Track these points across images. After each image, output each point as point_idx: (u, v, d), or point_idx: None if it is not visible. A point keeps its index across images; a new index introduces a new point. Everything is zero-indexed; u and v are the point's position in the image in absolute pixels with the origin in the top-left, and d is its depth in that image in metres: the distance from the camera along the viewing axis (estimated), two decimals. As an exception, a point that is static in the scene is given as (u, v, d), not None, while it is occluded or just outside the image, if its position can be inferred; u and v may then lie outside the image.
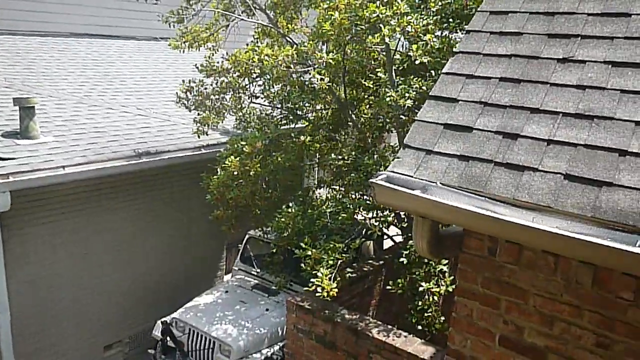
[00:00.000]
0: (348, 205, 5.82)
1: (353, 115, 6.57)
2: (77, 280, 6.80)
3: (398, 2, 5.14)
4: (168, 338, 6.45)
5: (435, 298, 5.31)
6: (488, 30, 3.02)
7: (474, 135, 2.64)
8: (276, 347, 6.51)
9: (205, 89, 6.55)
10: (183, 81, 6.66)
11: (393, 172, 2.62)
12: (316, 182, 7.44)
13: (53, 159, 5.91)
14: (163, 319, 6.61)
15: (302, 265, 5.27)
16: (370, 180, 2.56)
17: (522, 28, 2.94)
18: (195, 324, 6.47)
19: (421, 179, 2.55)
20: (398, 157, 2.69)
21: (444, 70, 2.95)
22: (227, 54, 6.15)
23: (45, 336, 6.56)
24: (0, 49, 8.45)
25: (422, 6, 5.83)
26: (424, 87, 5.25)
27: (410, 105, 5.20)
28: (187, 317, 6.61)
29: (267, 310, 6.79)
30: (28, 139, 6.11)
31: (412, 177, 2.58)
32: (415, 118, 2.80)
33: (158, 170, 7.17)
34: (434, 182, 2.52)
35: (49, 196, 6.26)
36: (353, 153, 6.28)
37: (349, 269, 6.09)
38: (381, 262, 6.58)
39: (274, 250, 6.38)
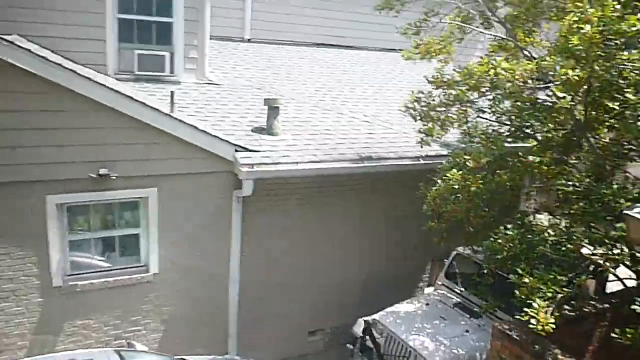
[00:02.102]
0: (574, 236, 5.31)
1: (590, 138, 5.97)
2: (294, 265, 7.49)
3: (665, 14, 4.52)
4: (367, 337, 6.67)
5: (676, 359, 4.53)
6: None
7: None
8: (472, 372, 6.26)
9: (433, 100, 6.61)
10: (412, 92, 6.82)
11: (655, 206, 2.31)
12: (536, 207, 6.94)
13: (289, 155, 6.61)
14: (365, 318, 6.85)
15: (516, 292, 4.97)
16: (626, 212, 2.30)
17: None
18: (394, 330, 6.58)
19: (692, 219, 2.20)
20: (662, 190, 2.36)
21: None
22: (459, 67, 6.11)
23: (262, 311, 7.37)
24: (256, 55, 9.74)
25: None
26: (687, 113, 4.51)
27: (668, 133, 4.53)
28: (387, 322, 6.75)
29: (467, 331, 6.59)
30: (271, 135, 6.94)
31: (679, 214, 2.24)
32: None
33: (377, 175, 7.48)
34: None
35: (279, 187, 7.01)
36: (586, 180, 5.69)
37: (566, 306, 5.56)
38: (606, 305, 5.85)
39: (484, 271, 6.13)
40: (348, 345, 7.09)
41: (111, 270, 6.35)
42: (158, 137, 6.09)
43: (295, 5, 10.34)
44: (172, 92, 6.38)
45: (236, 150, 6.39)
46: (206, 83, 7.95)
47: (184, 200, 6.45)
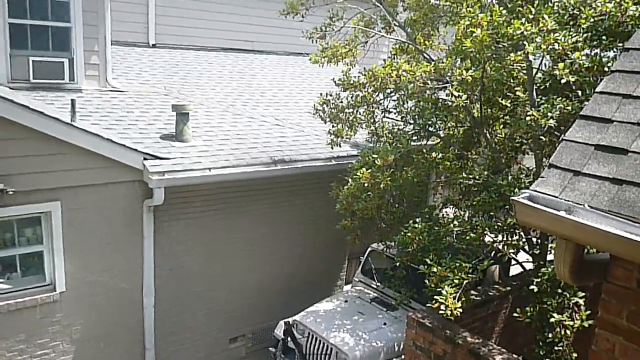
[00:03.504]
0: (476, 226, 5.67)
1: (487, 134, 6.41)
2: (209, 274, 7.36)
3: (545, 19, 4.96)
4: (289, 339, 6.72)
5: (568, 332, 4.96)
6: (651, 48, 2.82)
7: (629, 158, 2.48)
8: (391, 362, 6.49)
9: (341, 102, 6.79)
10: (321, 94, 6.97)
11: (536, 191, 2.54)
12: (442, 200, 7.34)
13: (201, 161, 6.51)
14: (286, 320, 6.90)
15: (426, 281, 5.23)
16: (512, 198, 2.52)
17: (692, 46, 2.72)
18: (314, 329, 6.68)
19: (567, 200, 2.45)
20: (542, 177, 2.61)
21: (597, 89, 2.81)
22: (364, 69, 6.33)
23: (179, 321, 7.19)
24: (162, 61, 9.49)
25: (570, 23, 5.54)
26: (568, 108, 4.98)
27: (552, 126, 4.96)
28: (307, 321, 6.83)
29: (384, 324, 6.81)
30: (181, 142, 6.79)
31: (556, 197, 2.49)
32: (564, 137, 2.70)
33: (290, 178, 7.55)
34: (581, 204, 2.41)
35: (193, 195, 6.88)
36: (485, 173, 6.10)
37: (473, 292, 5.92)
38: (508, 288, 6.29)
39: (397, 264, 6.38)
40: (270, 348, 7.10)
41: (12, 292, 5.92)
42: (59, 147, 5.77)
43: (201, 10, 10.20)
44: (72, 100, 6.08)
45: (145, 159, 6.20)
46: (110, 90, 7.65)
47: (91, 212, 6.15)
